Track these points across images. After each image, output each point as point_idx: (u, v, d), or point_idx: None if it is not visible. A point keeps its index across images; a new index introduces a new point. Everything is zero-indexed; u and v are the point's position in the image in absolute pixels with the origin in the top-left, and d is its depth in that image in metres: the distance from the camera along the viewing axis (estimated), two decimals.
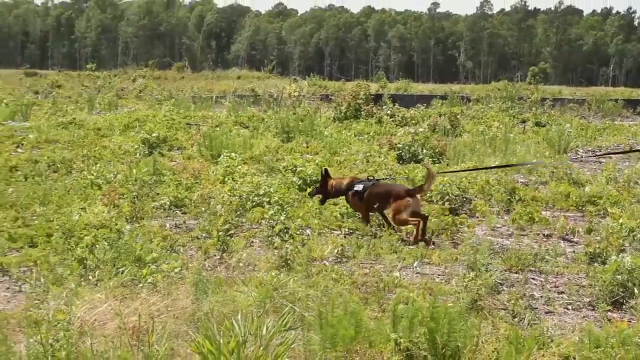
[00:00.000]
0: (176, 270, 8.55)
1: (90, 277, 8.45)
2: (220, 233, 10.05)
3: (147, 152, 18.19)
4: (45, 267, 8.91)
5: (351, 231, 11.31)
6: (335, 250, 10.21)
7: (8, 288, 8.76)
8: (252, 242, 10.81)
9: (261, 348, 5.77)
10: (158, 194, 13.19)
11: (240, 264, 9.25)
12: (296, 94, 34.00)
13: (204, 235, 10.90)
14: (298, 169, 14.66)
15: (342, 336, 6.36)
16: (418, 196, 11.45)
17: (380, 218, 11.93)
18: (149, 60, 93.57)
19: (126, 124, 23.49)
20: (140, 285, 8.11)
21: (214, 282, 7.97)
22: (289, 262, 9.31)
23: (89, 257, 8.93)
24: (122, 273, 8.41)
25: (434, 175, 11.69)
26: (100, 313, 6.84)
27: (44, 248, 9.96)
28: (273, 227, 10.90)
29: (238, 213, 11.86)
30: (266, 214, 11.55)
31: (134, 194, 12.78)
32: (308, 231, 11.38)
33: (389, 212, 11.65)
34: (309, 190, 13.08)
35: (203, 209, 12.09)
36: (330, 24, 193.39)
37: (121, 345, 6.11)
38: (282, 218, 11.09)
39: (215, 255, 9.91)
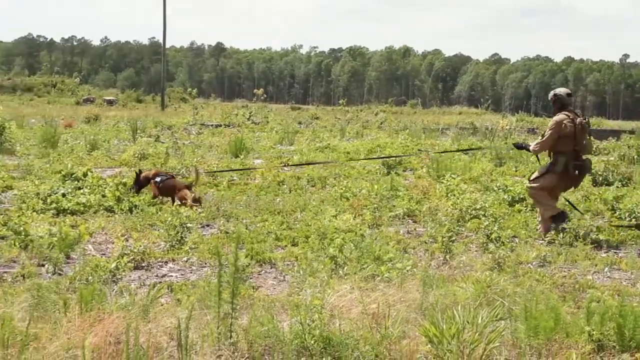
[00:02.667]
0: (408, 268, 8.51)
1: (340, 271, 8.53)
2: (444, 239, 9.95)
3: (386, 172, 18.27)
4: (304, 262, 9.05)
5: (552, 241, 11.00)
6: (539, 256, 9.98)
7: (275, 277, 8.94)
8: (470, 247, 10.66)
9: (477, 334, 5.67)
10: (394, 205, 13.20)
11: (460, 265, 9.14)
12: (507, 127, 33.38)
13: (430, 240, 10.83)
14: (508, 188, 14.43)
15: (544, 327, 6.21)
16: (192, 188, 13.42)
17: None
18: (389, 98, 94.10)
19: (369, 149, 23.67)
20: (379, 279, 8.12)
21: (439, 279, 7.90)
22: (500, 264, 9.15)
23: (338, 255, 9.02)
24: (364, 269, 8.44)
25: (199, 175, 14.25)
26: (347, 301, 6.88)
27: (303, 247, 10.14)
28: (487, 236, 10.75)
29: (459, 223, 11.73)
30: (482, 224, 11.40)
31: (374, 205, 12.82)
32: (516, 239, 11.15)
33: (177, 199, 13.29)
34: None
35: (430, 219, 12.02)
36: (537, 71, 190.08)
37: (363, 327, 6.12)
38: (495, 228, 10.92)
39: (439, 257, 9.82)
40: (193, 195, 13.21)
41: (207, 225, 11.92)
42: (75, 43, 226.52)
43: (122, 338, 5.58)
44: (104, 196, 13.11)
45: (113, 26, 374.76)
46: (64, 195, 12.99)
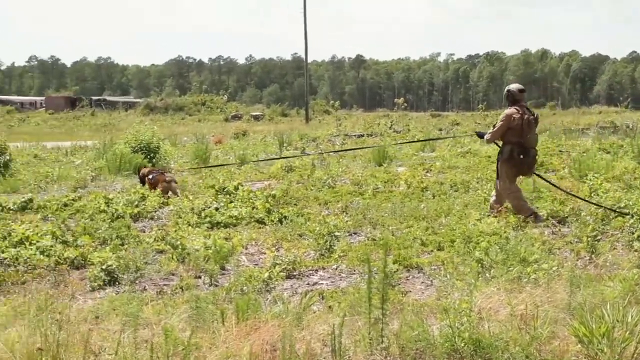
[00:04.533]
0: (554, 268, 8.32)
1: (486, 274, 8.43)
2: (589, 238, 9.72)
3: None
4: (450, 266, 9.00)
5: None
6: None
7: (422, 282, 8.90)
8: (616, 245, 10.35)
9: (627, 332, 5.52)
10: (537, 207, 12.95)
11: (607, 264, 8.88)
12: None
13: (575, 240, 10.59)
14: None
15: None
16: (173, 181, 16.11)
17: None
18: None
19: None
20: (525, 280, 7.98)
21: (585, 278, 7.71)
22: None
23: (484, 258, 8.91)
24: (510, 271, 8.31)
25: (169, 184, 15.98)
26: (494, 303, 6.80)
27: (449, 251, 10.07)
28: (633, 233, 10.42)
29: (603, 222, 11.41)
30: (627, 222, 11.06)
31: None
32: None
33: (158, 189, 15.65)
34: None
35: (575, 219, 11.76)
36: None
37: (512, 328, 6.04)
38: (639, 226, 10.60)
39: (585, 257, 9.58)
40: (169, 186, 15.70)
41: (355, 233, 11.96)
42: (222, 62, 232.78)
43: (277, 345, 5.67)
44: (254, 208, 13.34)
45: (257, 44, 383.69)
46: (217, 209, 13.30)
